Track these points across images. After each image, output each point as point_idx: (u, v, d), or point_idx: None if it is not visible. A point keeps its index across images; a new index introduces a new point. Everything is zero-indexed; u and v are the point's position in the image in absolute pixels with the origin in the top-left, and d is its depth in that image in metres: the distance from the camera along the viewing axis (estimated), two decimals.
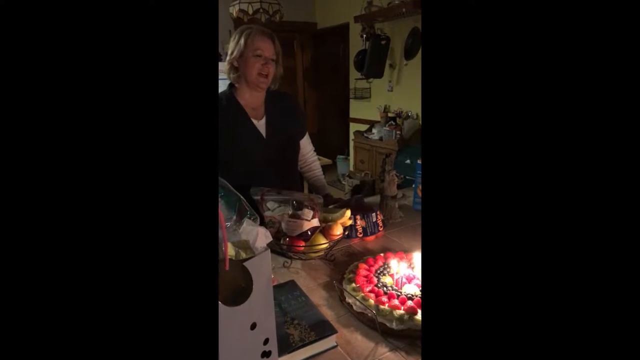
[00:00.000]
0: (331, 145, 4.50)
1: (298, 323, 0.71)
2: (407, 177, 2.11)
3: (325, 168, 2.51)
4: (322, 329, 0.69)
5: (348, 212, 1.06)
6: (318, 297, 0.85)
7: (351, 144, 4.14)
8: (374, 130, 3.69)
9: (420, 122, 3.40)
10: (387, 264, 0.91)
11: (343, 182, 3.92)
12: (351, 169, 4.16)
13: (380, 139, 3.53)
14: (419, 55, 3.27)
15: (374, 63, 3.53)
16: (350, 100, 4.32)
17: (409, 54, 3.31)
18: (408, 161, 2.96)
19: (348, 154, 4.37)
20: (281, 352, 0.62)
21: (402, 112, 3.56)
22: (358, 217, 1.12)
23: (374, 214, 1.14)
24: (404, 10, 3.01)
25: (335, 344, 0.70)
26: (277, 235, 1.03)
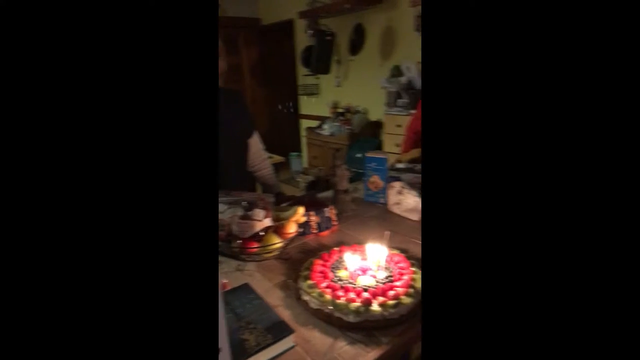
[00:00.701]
0: (283, 142, 4.46)
1: (254, 327, 0.69)
2: (359, 171, 2.15)
3: (277, 166, 2.48)
4: (279, 330, 0.68)
5: (301, 209, 1.05)
6: (274, 297, 0.83)
7: (303, 140, 4.14)
8: (324, 126, 3.71)
9: (369, 115, 3.49)
10: (342, 258, 0.91)
11: (297, 180, 3.91)
12: (305, 165, 4.16)
13: (332, 134, 3.56)
14: (365, 50, 3.34)
15: (320, 59, 3.55)
16: (300, 96, 4.30)
17: (354, 50, 3.37)
18: (359, 155, 3.02)
19: (300, 151, 4.36)
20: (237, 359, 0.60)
21: (351, 107, 3.62)
22: (311, 213, 1.11)
23: (326, 209, 1.14)
24: (347, 6, 3.05)
25: (293, 344, 0.68)
26: (228, 238, 1.00)
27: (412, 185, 1.32)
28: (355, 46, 3.35)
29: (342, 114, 3.61)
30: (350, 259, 0.85)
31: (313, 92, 4.07)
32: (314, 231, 1.12)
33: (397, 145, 2.61)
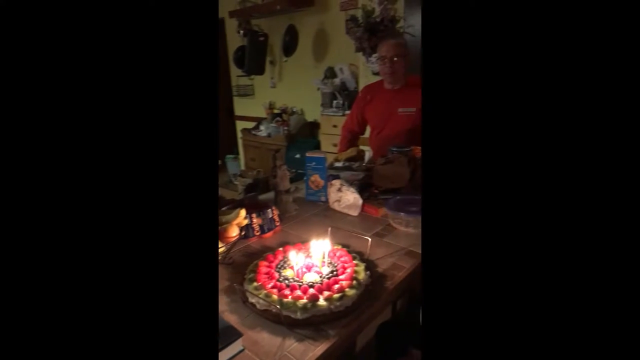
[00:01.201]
0: (219, 144, 4.31)
1: None
2: (299, 171, 2.17)
3: None
4: (226, 335, 0.66)
5: (243, 212, 1.03)
6: (220, 303, 0.81)
7: (239, 142, 4.04)
8: (261, 127, 3.67)
9: (305, 116, 3.53)
10: (287, 257, 0.92)
11: (235, 182, 3.81)
12: (242, 168, 4.07)
13: (269, 135, 3.53)
14: (298, 51, 3.37)
15: (254, 60, 3.50)
16: (234, 97, 4.20)
17: (287, 51, 3.38)
18: (298, 155, 3.04)
19: (237, 153, 4.26)
20: None
21: (287, 107, 3.62)
22: (254, 215, 1.10)
23: (269, 210, 1.14)
24: (278, 7, 3.05)
25: (242, 348, 0.67)
26: None
27: (350, 183, 1.37)
28: (289, 47, 3.36)
29: (278, 115, 3.60)
30: (295, 258, 0.86)
31: (247, 93, 4.00)
32: (257, 233, 1.11)
33: (334, 145, 2.68)
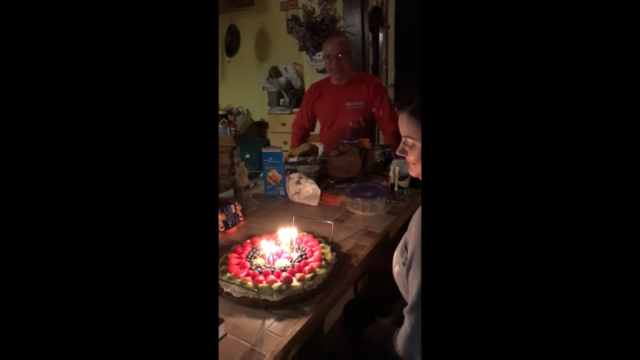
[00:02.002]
0: None
1: None
2: (253, 171, 2.18)
3: None
4: None
5: None
6: None
7: None
8: None
9: (252, 116, 3.52)
10: (256, 247, 0.95)
11: None
12: None
13: None
14: (241, 51, 3.35)
15: None
16: None
17: (229, 51, 3.35)
18: (248, 155, 3.03)
19: None
20: None
21: (232, 108, 3.59)
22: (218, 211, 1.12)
23: (232, 206, 1.16)
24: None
25: (225, 333, 0.70)
26: None
27: (307, 175, 1.43)
28: (231, 47, 3.33)
29: (224, 116, 3.55)
30: (266, 245, 0.90)
31: None
32: (222, 229, 1.13)
33: (285, 143, 2.72)
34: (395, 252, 0.78)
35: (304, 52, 2.75)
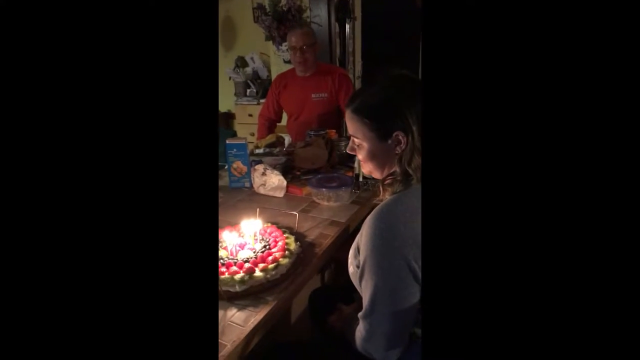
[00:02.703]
0: None
1: None
2: (220, 163, 2.14)
3: None
4: None
5: None
6: None
7: None
8: None
9: (218, 107, 3.44)
10: (219, 240, 0.95)
11: None
12: None
13: None
14: None
15: None
16: None
17: None
18: None
19: None
20: None
21: None
22: None
23: None
24: None
25: None
26: None
27: (273, 167, 1.43)
28: None
29: None
30: (228, 237, 0.89)
31: None
32: None
33: (252, 134, 2.69)
34: (350, 252, 0.76)
35: (271, 42, 2.71)
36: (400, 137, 0.67)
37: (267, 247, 0.91)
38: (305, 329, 1.14)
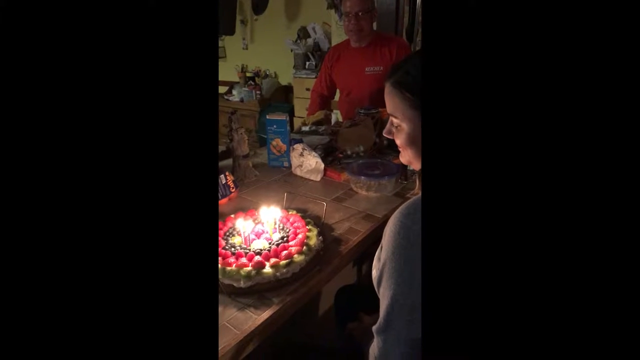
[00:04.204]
0: None
1: None
2: (263, 136, 2.09)
3: None
4: None
5: None
6: None
7: None
8: (233, 92, 3.52)
9: (279, 80, 3.39)
10: (236, 225, 0.88)
11: None
12: None
13: (241, 100, 3.40)
14: (269, 10, 3.17)
15: (223, 18, 3.28)
16: None
17: (257, 8, 3.18)
18: None
19: None
20: None
21: (260, 70, 3.47)
22: None
23: (222, 176, 1.08)
24: None
25: None
26: None
27: (315, 147, 1.32)
28: (259, 4, 3.16)
29: (251, 78, 3.44)
30: (243, 225, 0.81)
31: (219, 55, 3.80)
32: None
33: (307, 109, 2.59)
34: (376, 254, 0.65)
35: (333, 11, 2.54)
36: None
37: (285, 239, 0.82)
38: (331, 327, 1.05)
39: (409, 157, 0.64)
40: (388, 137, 0.66)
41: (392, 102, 0.61)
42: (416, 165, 0.64)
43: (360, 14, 1.51)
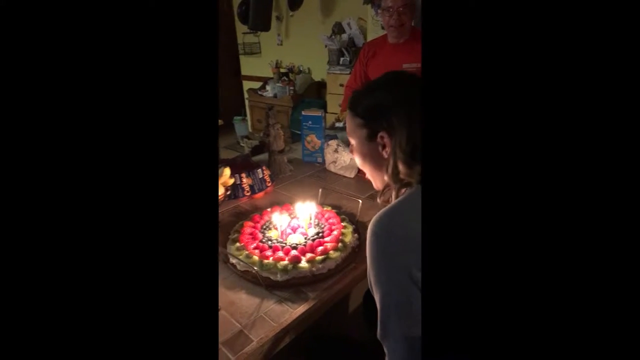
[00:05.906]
0: (226, 105, 4.23)
1: None
2: (297, 132, 2.10)
3: (221, 130, 2.34)
4: None
5: (227, 171, 1.00)
6: None
7: (246, 103, 3.96)
8: (267, 88, 3.56)
9: (312, 75, 3.40)
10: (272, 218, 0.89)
11: (242, 144, 3.77)
12: (250, 129, 4.02)
13: (275, 95, 3.44)
14: (305, 5, 3.18)
15: (258, 14, 3.32)
16: (240, 56, 4.06)
17: (293, 4, 3.19)
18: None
19: (245, 115, 4.18)
20: None
21: (294, 66, 3.49)
22: (243, 175, 1.07)
23: (259, 170, 1.10)
24: None
25: (219, 308, 0.66)
26: None
27: (348, 144, 1.32)
28: (295, 0, 3.17)
29: (285, 74, 3.47)
30: (279, 219, 0.83)
31: (254, 51, 3.85)
32: (247, 194, 1.08)
33: (340, 105, 2.58)
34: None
35: (369, 6, 2.50)
36: (385, 139, 0.61)
37: (321, 234, 0.83)
38: (361, 324, 1.05)
39: (368, 175, 0.69)
40: (351, 154, 0.72)
41: (348, 124, 0.68)
42: (376, 184, 0.69)
43: (401, 8, 1.48)
